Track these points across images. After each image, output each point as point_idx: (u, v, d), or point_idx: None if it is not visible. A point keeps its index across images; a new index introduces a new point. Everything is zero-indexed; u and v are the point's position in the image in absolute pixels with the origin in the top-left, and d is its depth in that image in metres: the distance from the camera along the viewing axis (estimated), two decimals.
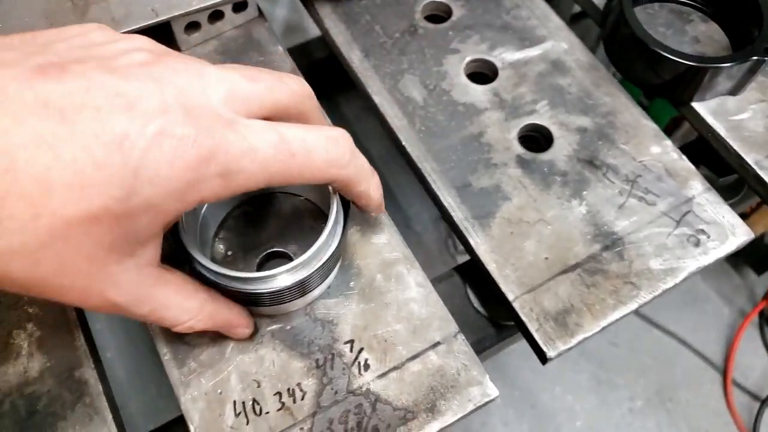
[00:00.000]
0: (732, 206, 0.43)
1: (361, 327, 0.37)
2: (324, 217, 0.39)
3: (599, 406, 1.12)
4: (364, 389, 0.36)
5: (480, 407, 0.35)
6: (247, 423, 0.34)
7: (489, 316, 0.47)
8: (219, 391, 0.35)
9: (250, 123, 0.28)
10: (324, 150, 0.30)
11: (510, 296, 0.39)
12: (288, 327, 0.37)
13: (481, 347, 0.47)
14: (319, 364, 0.36)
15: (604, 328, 0.38)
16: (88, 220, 0.24)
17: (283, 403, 0.35)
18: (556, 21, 0.52)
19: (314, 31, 0.87)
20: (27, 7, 0.43)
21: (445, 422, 0.35)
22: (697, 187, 0.43)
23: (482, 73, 0.50)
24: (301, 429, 0.34)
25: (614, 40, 0.48)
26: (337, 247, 0.35)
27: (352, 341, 0.37)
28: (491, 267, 0.40)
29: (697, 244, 0.41)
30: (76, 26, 0.28)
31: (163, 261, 0.30)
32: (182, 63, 0.28)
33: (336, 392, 0.35)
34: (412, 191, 1.07)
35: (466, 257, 0.44)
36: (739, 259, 1.22)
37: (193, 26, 0.47)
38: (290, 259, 0.38)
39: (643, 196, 0.43)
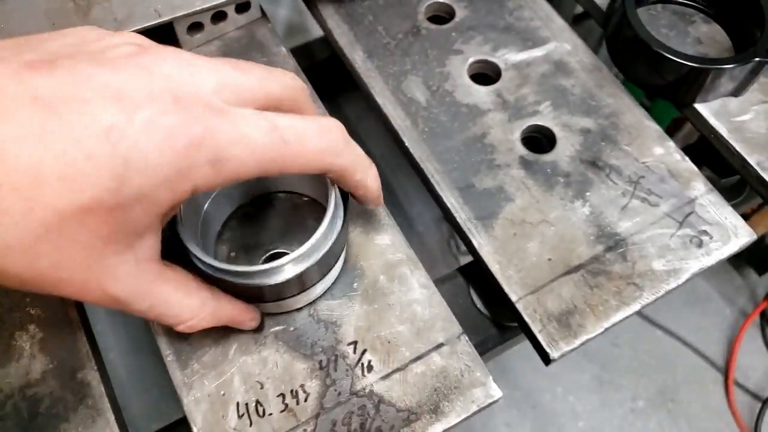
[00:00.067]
0: (734, 207, 0.43)
1: (365, 328, 0.37)
2: None
3: (601, 407, 1.12)
4: (367, 391, 0.35)
5: (483, 408, 0.35)
6: (251, 425, 0.34)
7: (492, 317, 0.47)
8: (222, 392, 0.35)
9: (241, 111, 0.27)
10: (317, 138, 0.29)
11: (513, 297, 0.39)
12: (291, 328, 0.37)
13: (485, 348, 0.47)
14: (322, 366, 0.36)
15: (607, 329, 0.38)
16: (81, 212, 0.24)
17: (287, 405, 0.35)
18: (559, 22, 0.52)
19: (317, 32, 0.87)
20: (29, 8, 0.43)
21: (448, 423, 0.35)
22: (699, 188, 0.43)
23: (485, 74, 0.50)
24: (305, 430, 0.34)
25: (617, 41, 0.48)
26: (336, 240, 0.34)
27: (355, 342, 0.37)
28: (494, 268, 0.40)
29: (700, 245, 0.41)
30: (69, 29, 0.28)
31: (165, 259, 0.30)
32: (171, 53, 0.28)
33: (339, 394, 0.35)
34: (415, 192, 1.06)
35: (469, 258, 0.44)
36: (740, 259, 1.22)
37: (195, 27, 0.47)
38: None
39: (646, 197, 0.43)
